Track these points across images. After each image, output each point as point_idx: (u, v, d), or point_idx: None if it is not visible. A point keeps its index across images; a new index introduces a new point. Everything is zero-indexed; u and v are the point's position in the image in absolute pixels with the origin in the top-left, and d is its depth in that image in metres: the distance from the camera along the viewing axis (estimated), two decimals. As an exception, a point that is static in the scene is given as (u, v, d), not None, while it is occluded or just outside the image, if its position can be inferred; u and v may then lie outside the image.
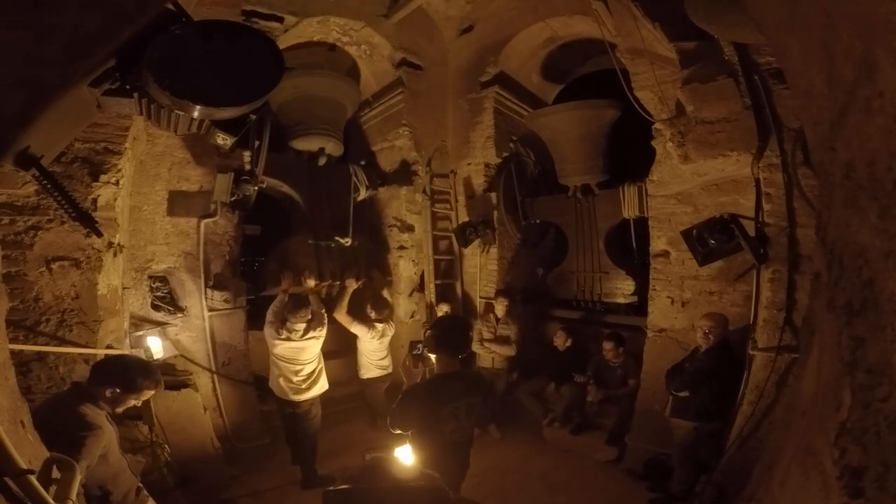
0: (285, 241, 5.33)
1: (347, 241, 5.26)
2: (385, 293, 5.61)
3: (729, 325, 3.48)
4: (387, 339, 4.79)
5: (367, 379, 4.81)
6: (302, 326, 3.82)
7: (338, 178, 5.51)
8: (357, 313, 4.73)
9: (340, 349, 5.42)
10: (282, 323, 3.81)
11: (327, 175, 5.46)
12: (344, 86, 5.29)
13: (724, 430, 3.50)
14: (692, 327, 3.73)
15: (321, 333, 3.98)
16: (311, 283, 4.55)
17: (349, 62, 5.95)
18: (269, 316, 3.89)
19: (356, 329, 4.63)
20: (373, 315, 4.71)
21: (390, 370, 4.83)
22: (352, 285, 4.86)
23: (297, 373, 3.85)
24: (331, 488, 0.95)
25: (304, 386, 3.88)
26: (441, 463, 2.34)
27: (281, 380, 3.85)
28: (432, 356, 2.64)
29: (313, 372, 3.94)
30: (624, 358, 4.59)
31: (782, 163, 3.29)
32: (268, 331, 3.86)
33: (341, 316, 4.60)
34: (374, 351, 4.71)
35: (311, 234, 5.31)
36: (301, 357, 3.86)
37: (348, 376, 5.30)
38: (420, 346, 2.70)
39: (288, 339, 3.79)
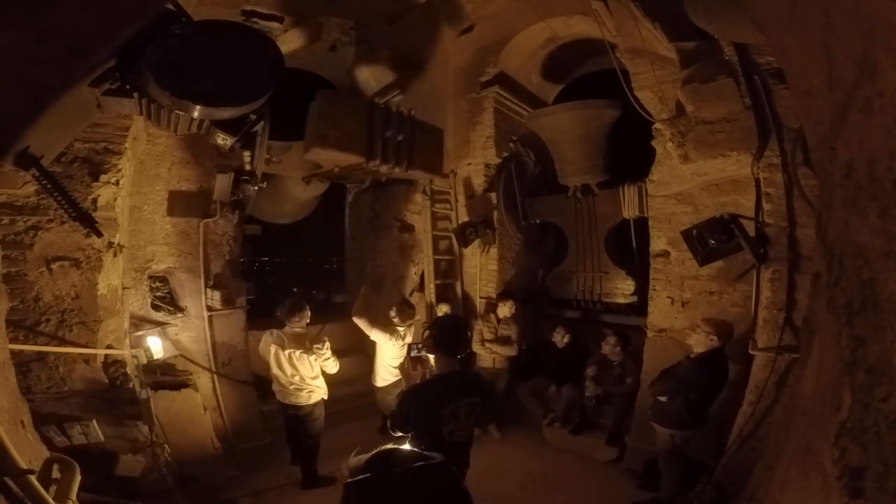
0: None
1: None
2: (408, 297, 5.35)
3: (729, 335, 3.33)
4: (406, 343, 4.52)
5: (381, 387, 4.59)
6: (302, 325, 3.80)
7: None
8: (378, 318, 4.42)
9: (348, 347, 5.39)
10: (280, 326, 3.81)
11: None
12: None
13: (714, 432, 3.48)
14: (692, 327, 3.72)
15: (314, 357, 3.84)
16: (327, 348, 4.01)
17: (349, 62, 5.95)
18: (265, 335, 3.90)
19: (375, 336, 4.34)
20: (396, 321, 4.43)
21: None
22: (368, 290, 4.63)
23: (294, 379, 3.81)
24: (353, 479, 0.98)
25: (304, 393, 3.84)
26: (441, 463, 2.34)
27: (280, 387, 3.85)
28: (431, 357, 2.64)
29: (314, 377, 3.88)
30: (624, 357, 4.59)
31: (782, 163, 3.29)
32: (263, 342, 3.86)
33: (359, 320, 4.30)
34: (394, 357, 4.46)
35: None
36: (298, 368, 3.79)
37: (353, 376, 5.27)
38: (418, 347, 2.70)
39: (287, 338, 3.77)
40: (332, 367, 3.93)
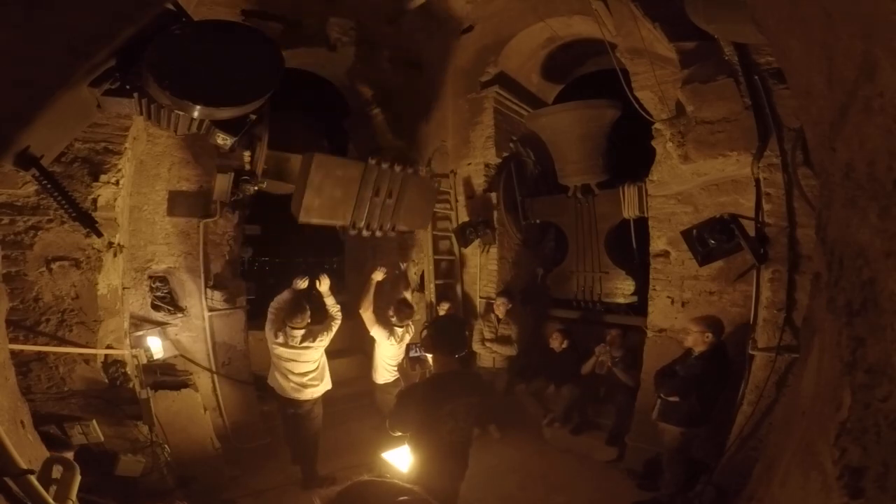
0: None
1: None
2: (407, 295, 5.16)
3: (720, 328, 3.39)
4: (405, 344, 4.43)
5: (380, 384, 4.52)
6: (300, 333, 3.75)
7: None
8: (380, 315, 4.40)
9: (347, 348, 5.39)
10: (281, 325, 3.77)
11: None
12: None
13: (714, 431, 3.49)
14: (684, 331, 3.71)
15: (321, 343, 3.86)
16: (327, 284, 4.15)
17: (349, 62, 5.95)
18: (270, 314, 3.83)
19: (375, 332, 4.31)
20: (394, 320, 4.37)
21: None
22: (377, 276, 4.47)
23: (295, 373, 3.83)
24: None
25: (303, 385, 3.85)
26: (440, 463, 2.34)
27: (280, 377, 3.83)
28: (430, 357, 2.63)
29: (310, 372, 3.88)
30: (624, 352, 4.58)
31: (782, 163, 3.29)
32: (268, 329, 3.82)
33: (366, 313, 4.28)
34: (391, 357, 4.40)
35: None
36: (300, 359, 3.83)
37: (352, 376, 5.27)
38: (417, 347, 2.70)
39: (285, 343, 3.76)
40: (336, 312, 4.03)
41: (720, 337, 3.38)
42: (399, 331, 4.37)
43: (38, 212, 2.99)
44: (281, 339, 3.74)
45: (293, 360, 3.81)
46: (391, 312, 4.40)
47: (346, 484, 1.02)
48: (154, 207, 4.08)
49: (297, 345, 3.76)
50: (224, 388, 4.33)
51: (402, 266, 4.88)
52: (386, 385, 4.51)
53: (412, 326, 4.57)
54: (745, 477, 2.56)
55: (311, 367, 3.88)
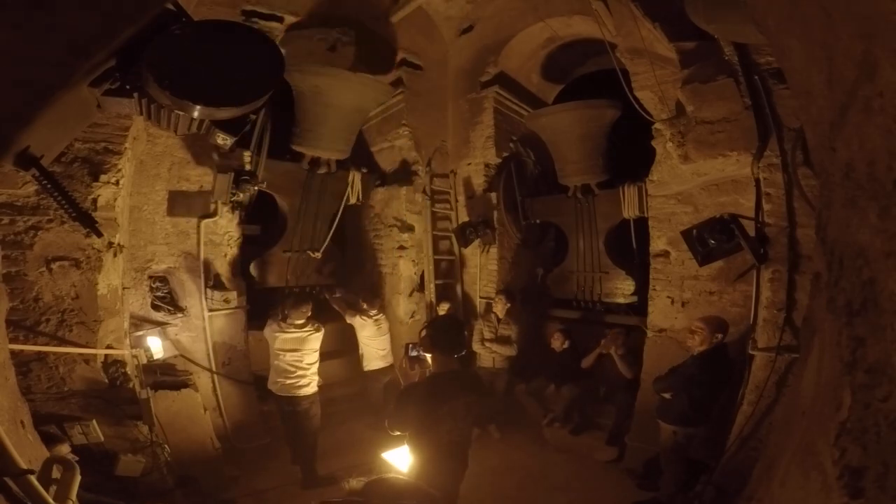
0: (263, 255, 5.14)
1: (317, 255, 5.33)
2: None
3: (727, 329, 3.38)
4: (385, 327, 4.95)
5: (370, 371, 4.89)
6: (302, 321, 3.96)
7: (333, 182, 5.42)
8: (351, 307, 4.98)
9: (341, 349, 5.42)
10: (283, 319, 3.94)
11: (323, 179, 5.36)
12: (372, 92, 5.17)
13: (714, 431, 3.49)
14: (690, 331, 3.71)
15: (319, 331, 4.10)
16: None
17: (349, 62, 5.95)
18: (268, 321, 4.06)
19: (350, 318, 4.84)
20: (365, 306, 4.88)
21: (391, 361, 4.93)
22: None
23: (301, 364, 3.91)
24: (340, 500, 1.01)
25: (303, 381, 3.91)
26: (439, 463, 2.34)
27: (281, 376, 3.89)
28: (429, 357, 2.64)
29: (313, 364, 4.01)
30: (625, 352, 4.58)
31: (782, 163, 3.29)
32: (268, 328, 3.98)
33: (342, 312, 4.85)
34: (372, 337, 4.83)
35: (288, 244, 5.20)
36: (303, 347, 3.94)
37: (348, 376, 5.30)
38: (416, 347, 2.70)
39: (291, 325, 3.92)
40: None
41: (724, 337, 3.38)
42: (373, 313, 4.85)
43: (38, 212, 2.99)
44: (284, 327, 3.93)
45: (297, 350, 3.91)
46: (361, 301, 4.99)
47: (371, 477, 1.07)
48: (154, 207, 4.08)
49: (301, 328, 3.94)
50: (224, 388, 4.33)
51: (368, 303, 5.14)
52: (373, 372, 4.86)
53: (385, 317, 5.08)
54: (745, 477, 2.56)
55: (314, 357, 4.01)
